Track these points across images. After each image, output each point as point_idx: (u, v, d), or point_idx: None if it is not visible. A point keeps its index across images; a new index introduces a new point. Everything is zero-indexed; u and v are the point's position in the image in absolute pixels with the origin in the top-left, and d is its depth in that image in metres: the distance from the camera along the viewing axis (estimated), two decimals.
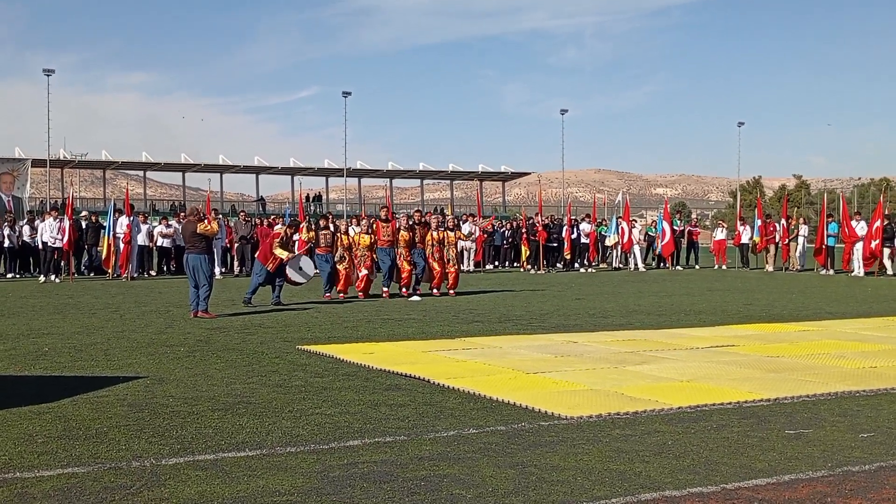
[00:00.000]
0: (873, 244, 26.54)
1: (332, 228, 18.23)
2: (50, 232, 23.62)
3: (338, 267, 17.75)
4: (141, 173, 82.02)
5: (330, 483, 4.96)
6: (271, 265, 15.68)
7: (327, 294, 17.63)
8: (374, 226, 18.41)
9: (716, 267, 32.21)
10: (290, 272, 16.06)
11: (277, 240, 15.72)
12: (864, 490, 4.90)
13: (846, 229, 27.54)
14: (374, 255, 18.19)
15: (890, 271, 26.63)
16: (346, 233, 18.10)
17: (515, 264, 32.38)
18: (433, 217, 20.29)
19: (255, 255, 16.15)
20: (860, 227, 27.55)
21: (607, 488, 4.89)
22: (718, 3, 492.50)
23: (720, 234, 34.13)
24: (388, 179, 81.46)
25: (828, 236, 28.50)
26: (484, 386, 7.85)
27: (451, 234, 19.15)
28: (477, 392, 7.60)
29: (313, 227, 18.81)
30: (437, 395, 7.54)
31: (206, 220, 14.62)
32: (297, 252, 16.31)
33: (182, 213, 26.46)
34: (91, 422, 6.44)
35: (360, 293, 17.97)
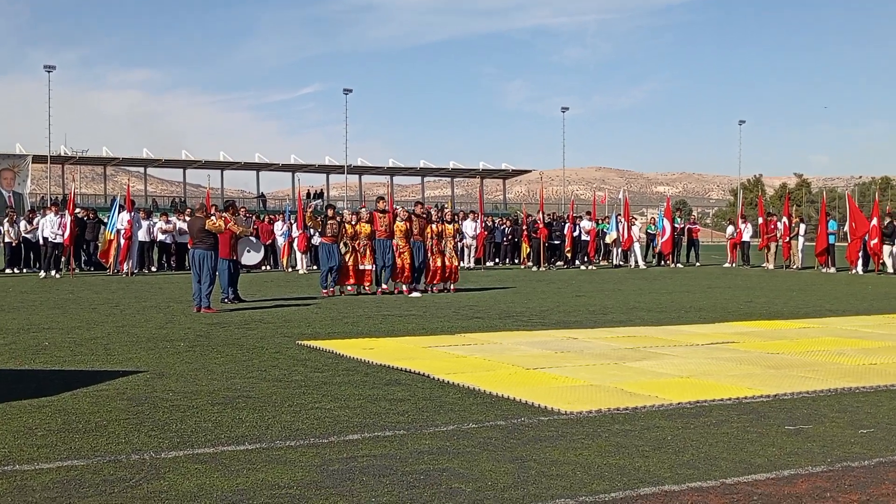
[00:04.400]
0: (873, 242, 26.56)
1: (337, 219, 18.17)
2: (51, 227, 23.63)
3: (345, 258, 17.66)
4: (141, 170, 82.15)
5: (329, 476, 4.96)
6: (234, 254, 15.82)
7: (324, 291, 17.57)
8: (372, 216, 18.35)
9: (726, 265, 32.18)
10: (243, 255, 16.34)
11: (231, 223, 15.77)
12: (863, 485, 4.90)
13: (853, 225, 27.39)
14: (373, 246, 18.15)
15: (890, 269, 26.62)
16: (350, 222, 18.00)
17: (516, 261, 32.39)
18: (432, 210, 20.23)
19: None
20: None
21: (607, 483, 4.89)
22: (720, 1, 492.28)
23: (731, 232, 33.95)
24: (389, 176, 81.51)
25: (828, 234, 28.49)
26: (484, 381, 7.85)
27: (449, 226, 19.11)
28: (477, 387, 7.61)
29: (319, 217, 18.85)
30: (436, 391, 7.55)
31: (213, 217, 14.72)
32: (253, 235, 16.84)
33: (189, 209, 26.57)
34: (91, 415, 6.44)
35: (367, 286, 17.95)
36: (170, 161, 75.92)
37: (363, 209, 19.36)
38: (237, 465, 5.18)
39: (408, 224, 18.16)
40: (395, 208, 19.95)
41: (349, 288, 17.76)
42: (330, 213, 18.38)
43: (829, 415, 6.70)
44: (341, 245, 17.63)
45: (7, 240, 25.85)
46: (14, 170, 62.81)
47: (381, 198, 20.06)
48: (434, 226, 18.67)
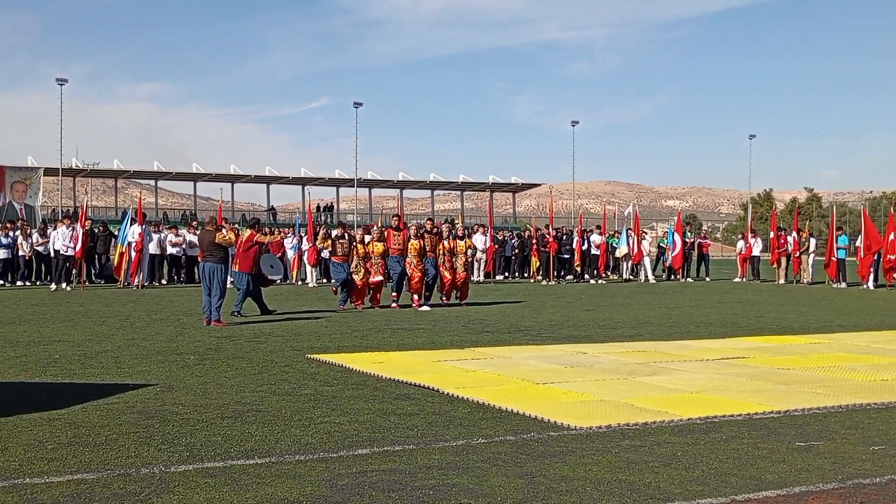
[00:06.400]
0: (891, 257, 26.35)
1: (348, 238, 18.19)
2: (62, 240, 23.72)
3: (354, 277, 17.64)
4: (152, 182, 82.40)
5: (338, 491, 4.96)
6: (254, 267, 15.85)
7: (341, 306, 17.55)
8: (385, 234, 18.41)
9: (736, 280, 32.10)
10: (265, 271, 16.42)
11: (256, 237, 15.76)
12: (874, 502, 4.87)
13: (869, 241, 27.24)
14: (386, 263, 18.15)
15: None
16: (362, 242, 18.01)
17: (525, 275, 32.37)
18: (444, 226, 20.26)
19: (233, 268, 16.14)
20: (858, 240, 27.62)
21: (616, 499, 4.87)
22: (729, 15, 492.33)
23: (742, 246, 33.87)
24: (399, 190, 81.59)
25: (838, 249, 28.39)
26: (493, 396, 7.84)
27: (461, 242, 19.16)
28: (486, 402, 7.60)
29: (330, 235, 18.87)
30: (446, 405, 7.54)
31: (223, 231, 14.78)
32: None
33: (196, 222, 26.67)
34: (101, 429, 6.45)
35: (375, 304, 17.94)
36: (181, 174, 76.19)
37: (374, 227, 19.35)
38: (247, 479, 5.18)
39: (421, 242, 18.20)
40: (408, 226, 19.97)
41: (358, 307, 17.74)
42: (340, 231, 18.40)
43: (840, 431, 6.67)
44: (353, 266, 17.61)
45: (21, 253, 25.98)
46: (26, 182, 63.16)
47: (397, 215, 20.10)
48: (446, 242, 18.70)
